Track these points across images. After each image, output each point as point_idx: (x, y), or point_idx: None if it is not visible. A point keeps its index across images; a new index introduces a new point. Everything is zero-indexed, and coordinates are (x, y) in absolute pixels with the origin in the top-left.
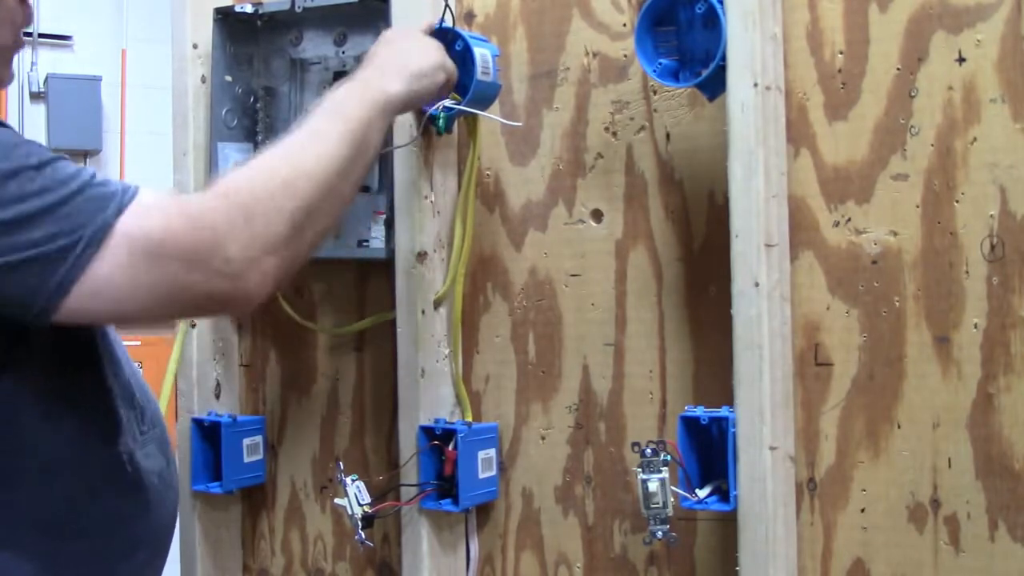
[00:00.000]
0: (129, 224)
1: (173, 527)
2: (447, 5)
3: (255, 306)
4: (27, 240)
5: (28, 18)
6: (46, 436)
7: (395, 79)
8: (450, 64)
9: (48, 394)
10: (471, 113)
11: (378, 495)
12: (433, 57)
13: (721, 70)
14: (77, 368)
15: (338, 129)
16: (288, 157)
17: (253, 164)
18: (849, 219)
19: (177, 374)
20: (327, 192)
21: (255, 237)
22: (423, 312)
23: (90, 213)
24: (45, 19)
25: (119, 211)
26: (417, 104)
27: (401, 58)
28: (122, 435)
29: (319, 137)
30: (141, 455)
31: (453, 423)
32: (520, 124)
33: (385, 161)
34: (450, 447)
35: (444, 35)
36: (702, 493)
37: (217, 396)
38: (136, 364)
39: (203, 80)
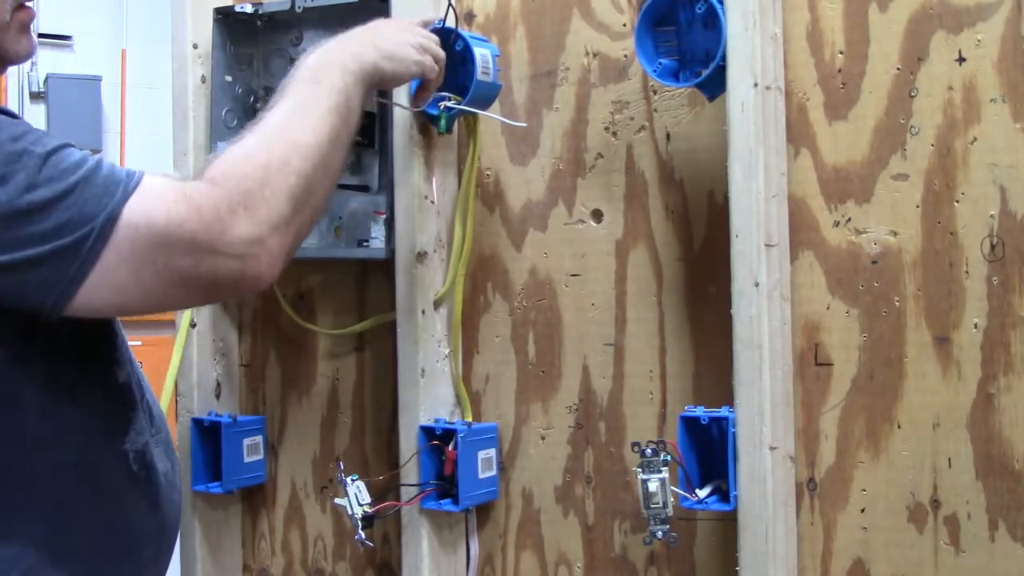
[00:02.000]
0: (134, 213)
1: (178, 527)
2: (450, 4)
3: (267, 285)
4: (39, 232)
5: None
6: (54, 431)
7: (368, 49)
8: (436, 50)
9: (57, 389)
10: (471, 113)
11: (378, 495)
12: (409, 38)
13: (721, 70)
14: (86, 365)
15: (321, 100)
16: (281, 133)
17: (247, 143)
18: (849, 219)
19: (177, 374)
20: (321, 164)
21: (258, 218)
22: (423, 312)
23: (97, 201)
24: (45, 19)
25: (125, 198)
26: (393, 80)
27: (374, 35)
28: (129, 433)
29: (306, 109)
30: (150, 455)
31: (453, 423)
32: (524, 124)
33: (385, 161)
34: (450, 447)
35: (444, 35)
36: (702, 493)
37: (217, 396)
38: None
39: (203, 80)
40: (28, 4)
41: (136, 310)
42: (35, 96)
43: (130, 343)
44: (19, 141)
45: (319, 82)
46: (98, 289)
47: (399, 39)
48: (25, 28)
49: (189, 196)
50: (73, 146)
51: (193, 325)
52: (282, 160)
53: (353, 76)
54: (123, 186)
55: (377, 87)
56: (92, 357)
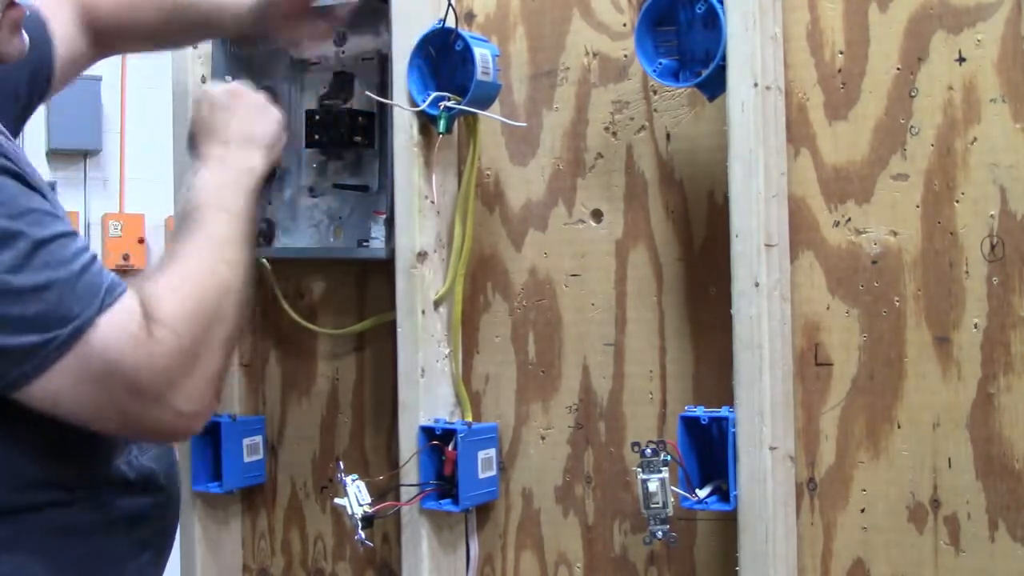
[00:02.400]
0: (97, 337)
1: (176, 527)
2: (450, 4)
3: (192, 435)
4: (7, 316)
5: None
6: (47, 467)
7: (254, 154)
8: (282, 118)
9: (44, 435)
10: (471, 113)
11: (378, 495)
12: (273, 118)
13: (721, 70)
14: None
15: (235, 230)
16: (212, 276)
17: (188, 283)
18: (849, 219)
19: None
20: (242, 300)
21: (201, 381)
22: (423, 312)
23: (71, 307)
24: None
25: (98, 312)
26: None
27: (247, 127)
28: (124, 446)
29: (226, 244)
30: (146, 459)
31: (453, 423)
32: (524, 125)
33: (385, 161)
34: (450, 447)
35: (445, 35)
36: (702, 493)
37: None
38: None
39: (203, 80)
40: (18, 2)
41: (65, 418)
42: None
43: None
44: (17, 220)
45: (227, 209)
46: (41, 391)
47: (270, 129)
48: (16, 28)
49: (150, 342)
50: (73, 234)
51: None
52: (217, 308)
53: (250, 194)
54: (100, 299)
55: None
56: None
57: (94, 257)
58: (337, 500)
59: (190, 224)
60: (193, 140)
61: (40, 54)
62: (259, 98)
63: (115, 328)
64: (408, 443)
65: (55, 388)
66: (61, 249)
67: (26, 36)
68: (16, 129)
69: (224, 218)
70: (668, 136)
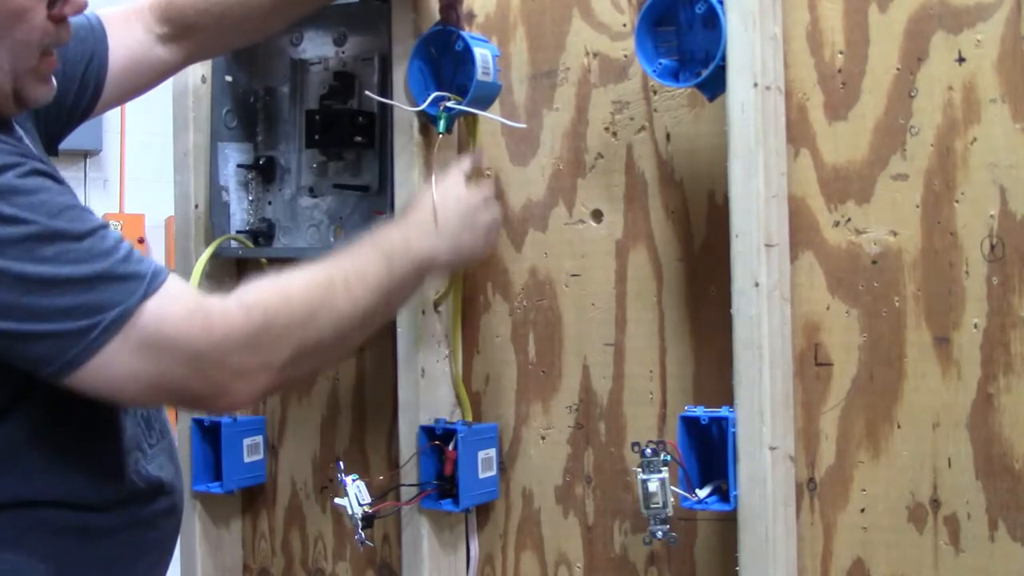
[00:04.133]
0: (148, 314)
1: (179, 531)
2: (451, 4)
3: (236, 411)
4: (52, 306)
5: (58, 36)
6: (51, 475)
7: (446, 251)
8: (496, 219)
9: (52, 440)
10: (471, 113)
11: (378, 495)
12: (483, 240)
13: (721, 70)
14: (82, 410)
15: (380, 277)
16: (327, 290)
17: (295, 284)
18: (849, 219)
19: None
20: (345, 334)
21: (258, 355)
22: (423, 312)
23: (116, 294)
24: None
25: (144, 296)
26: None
27: (460, 232)
28: (129, 455)
29: (362, 280)
30: (151, 467)
31: (453, 423)
32: (524, 126)
33: (385, 161)
34: (450, 447)
35: (445, 35)
36: (702, 493)
37: None
38: None
39: (203, 80)
40: (52, 52)
41: (125, 402)
42: None
43: None
44: (57, 218)
45: (389, 259)
46: (95, 375)
47: (477, 248)
48: (46, 76)
49: (207, 312)
50: (107, 226)
51: None
52: (310, 315)
53: (419, 272)
54: (145, 284)
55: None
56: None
57: (131, 248)
58: (337, 500)
59: (349, 248)
60: (411, 212)
61: (91, 67)
62: (482, 207)
63: (167, 303)
64: (408, 443)
65: (111, 372)
66: (101, 241)
67: (54, 82)
68: (55, 142)
69: (379, 261)
70: (668, 136)
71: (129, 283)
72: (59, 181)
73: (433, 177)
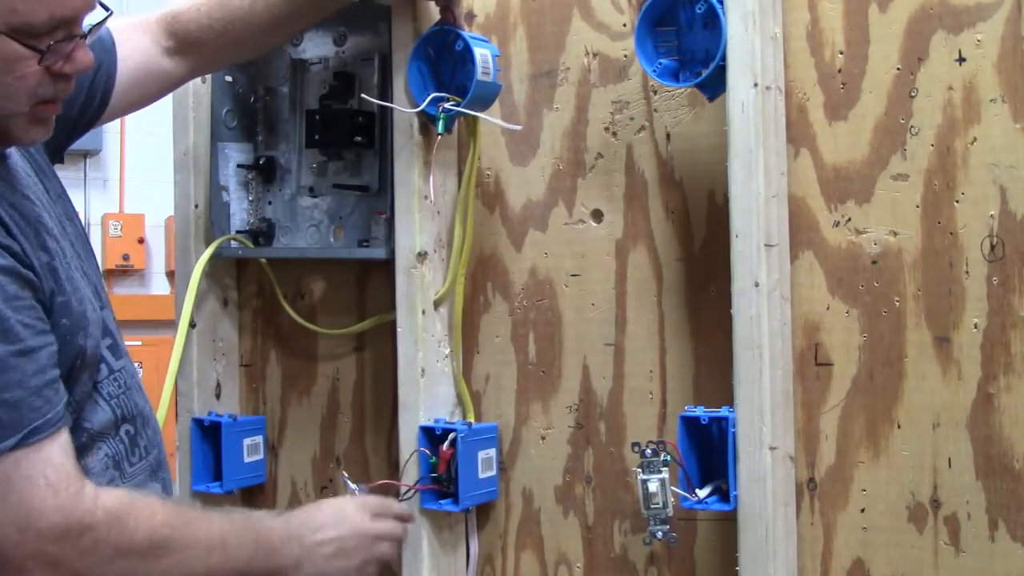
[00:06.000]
0: (8, 463)
1: None
2: (451, 5)
3: None
4: None
5: (55, 89)
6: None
7: (322, 565)
8: (394, 532)
9: None
10: (471, 114)
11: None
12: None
13: (721, 70)
14: None
15: (245, 560)
16: (184, 547)
17: (157, 518)
18: (849, 219)
19: (177, 374)
20: None
21: (82, 563)
22: (423, 312)
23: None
24: None
25: (15, 446)
26: None
27: (332, 557)
28: (101, 476)
29: (226, 553)
30: (130, 487)
31: (453, 423)
32: (520, 127)
33: (385, 161)
34: (444, 446)
35: (444, 35)
36: (702, 493)
37: (217, 396)
38: (136, 365)
39: (203, 80)
40: (53, 101)
41: None
42: None
43: (131, 343)
44: None
45: (270, 551)
46: None
47: (350, 570)
48: (40, 120)
49: (58, 497)
50: (41, 349)
51: (193, 325)
52: (149, 550)
53: (271, 569)
54: (22, 434)
55: None
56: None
57: (39, 387)
58: None
59: (228, 511)
60: (309, 512)
61: (98, 77)
62: (383, 553)
63: (26, 468)
64: (408, 443)
65: None
66: (20, 366)
67: (51, 124)
68: (60, 149)
69: (257, 548)
70: (668, 136)
71: (11, 423)
72: (19, 275)
73: (355, 491)
